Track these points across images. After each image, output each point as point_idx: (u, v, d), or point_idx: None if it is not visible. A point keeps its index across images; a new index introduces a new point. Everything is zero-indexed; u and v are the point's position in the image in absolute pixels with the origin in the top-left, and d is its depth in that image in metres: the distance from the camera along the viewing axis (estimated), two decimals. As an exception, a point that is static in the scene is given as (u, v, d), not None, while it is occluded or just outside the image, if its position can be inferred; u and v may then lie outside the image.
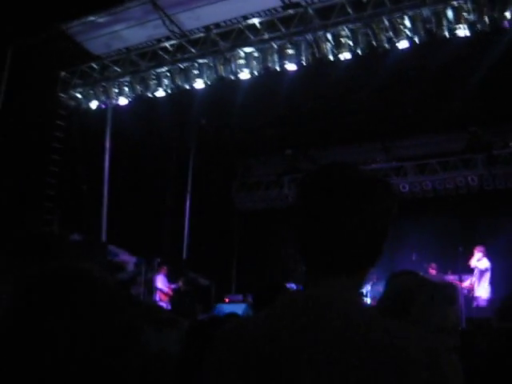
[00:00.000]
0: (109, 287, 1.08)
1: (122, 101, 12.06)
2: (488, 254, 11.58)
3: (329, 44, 10.05)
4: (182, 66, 11.30)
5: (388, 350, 1.03)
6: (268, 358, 1.11)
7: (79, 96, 12.39)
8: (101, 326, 0.99)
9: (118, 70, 12.03)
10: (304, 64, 10.32)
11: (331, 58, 10.11)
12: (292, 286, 9.11)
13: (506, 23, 8.79)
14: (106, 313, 1.01)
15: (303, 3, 10.25)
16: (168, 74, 11.43)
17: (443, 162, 14.35)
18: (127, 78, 11.84)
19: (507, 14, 8.61)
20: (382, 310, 1.66)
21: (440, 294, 1.69)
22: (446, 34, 9.26)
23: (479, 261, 11.44)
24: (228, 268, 16.28)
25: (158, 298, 12.30)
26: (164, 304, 12.14)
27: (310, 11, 10.10)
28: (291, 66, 10.42)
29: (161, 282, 12.52)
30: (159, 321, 2.18)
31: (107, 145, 12.93)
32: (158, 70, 11.50)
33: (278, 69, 10.56)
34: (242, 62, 10.76)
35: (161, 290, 12.44)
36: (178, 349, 1.67)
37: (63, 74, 12.36)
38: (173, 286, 12.72)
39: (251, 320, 1.26)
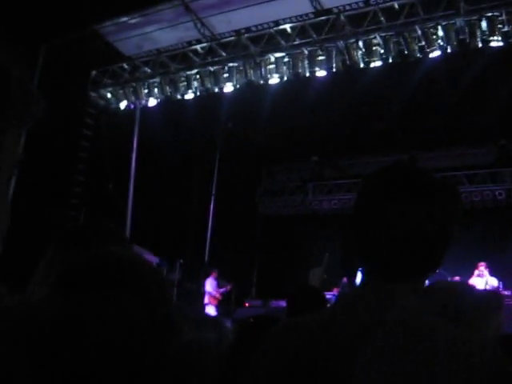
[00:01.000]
0: (158, 277, 1.07)
1: (151, 102, 12.15)
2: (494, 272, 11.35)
3: (360, 51, 10.02)
4: (211, 69, 11.34)
5: (453, 359, 1.00)
6: (322, 358, 1.09)
7: (109, 95, 12.53)
8: (145, 316, 0.98)
9: (148, 71, 12.12)
10: (334, 71, 10.29)
11: (362, 65, 10.07)
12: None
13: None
14: (153, 302, 1.00)
15: (335, 10, 10.25)
16: (197, 77, 11.49)
17: (471, 174, 14.18)
18: (157, 80, 11.93)
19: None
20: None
21: (492, 303, 1.65)
22: (480, 44, 9.18)
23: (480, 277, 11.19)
24: (249, 273, 16.26)
25: (207, 301, 12.43)
26: (213, 307, 12.27)
27: (342, 18, 10.08)
28: (321, 73, 10.41)
29: (210, 285, 12.67)
30: (199, 321, 2.17)
31: (134, 145, 13.02)
32: (188, 73, 11.57)
33: (307, 75, 10.56)
34: (271, 66, 10.78)
35: (209, 294, 12.55)
36: (221, 348, 1.65)
37: (94, 73, 12.50)
38: (221, 290, 12.86)
39: (306, 320, 1.23)
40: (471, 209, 14.16)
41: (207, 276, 12.70)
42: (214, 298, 12.61)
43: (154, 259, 12.18)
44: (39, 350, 0.93)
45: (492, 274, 11.38)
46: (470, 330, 1.48)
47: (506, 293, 10.96)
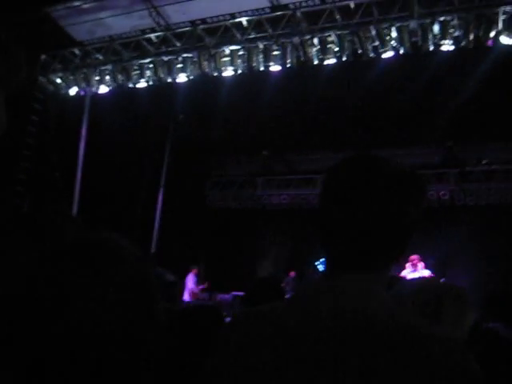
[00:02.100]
0: (136, 257, 1.05)
1: (103, 89, 11.92)
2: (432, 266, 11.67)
3: (314, 48, 10.09)
4: (165, 59, 11.20)
5: (417, 352, 1.00)
6: (283, 346, 1.08)
7: (59, 81, 12.21)
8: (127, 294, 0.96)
9: (100, 57, 11.87)
10: (288, 66, 10.33)
11: (316, 62, 10.15)
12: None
13: (490, 42, 8.93)
14: (135, 281, 0.98)
15: (291, 6, 10.27)
16: (150, 66, 11.34)
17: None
18: (109, 67, 11.71)
19: (491, 33, 8.76)
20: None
21: (465, 297, 1.69)
22: (431, 47, 9.39)
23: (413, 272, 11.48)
24: (196, 264, 16.20)
25: (187, 298, 12.47)
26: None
27: (298, 14, 10.11)
28: (275, 68, 10.43)
29: (191, 281, 12.92)
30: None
31: (83, 132, 12.75)
32: (141, 61, 11.40)
33: (262, 69, 10.57)
34: (226, 59, 10.73)
35: (191, 290, 12.79)
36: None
37: (44, 57, 12.16)
38: (200, 287, 13.00)
39: (264, 309, 1.22)
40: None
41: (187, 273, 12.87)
42: (194, 294, 12.70)
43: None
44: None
45: (427, 267, 11.68)
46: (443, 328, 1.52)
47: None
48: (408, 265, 11.61)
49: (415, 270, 11.48)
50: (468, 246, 13.44)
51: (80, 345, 0.89)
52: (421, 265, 11.60)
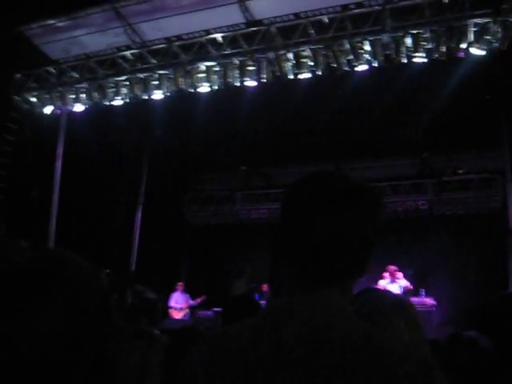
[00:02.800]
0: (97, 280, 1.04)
1: (78, 107, 11.87)
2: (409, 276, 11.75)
3: (289, 63, 10.17)
4: (141, 76, 11.20)
5: (379, 363, 1.01)
6: (249, 366, 1.08)
7: (34, 100, 12.13)
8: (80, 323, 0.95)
9: (76, 75, 11.82)
10: (264, 81, 10.39)
11: (291, 77, 10.22)
12: None
13: (461, 54, 9.10)
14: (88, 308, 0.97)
15: (266, 22, 10.36)
16: (126, 83, 11.33)
17: (395, 185, 14.63)
18: (84, 85, 11.66)
19: (463, 45, 8.93)
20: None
21: (408, 308, 1.70)
22: (404, 60, 9.52)
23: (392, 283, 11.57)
24: (176, 282, 16.10)
25: (177, 315, 12.47)
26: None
27: (273, 30, 10.20)
28: (251, 83, 10.48)
29: (174, 299, 12.76)
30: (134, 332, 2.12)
31: (59, 151, 12.65)
32: (117, 79, 11.38)
33: (237, 85, 10.61)
34: (202, 75, 10.76)
35: (173, 308, 12.60)
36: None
37: (18, 76, 12.08)
38: (192, 302, 12.79)
39: (233, 329, 1.22)
40: (395, 218, 14.60)
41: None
42: (178, 311, 12.54)
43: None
44: None
45: (406, 277, 11.76)
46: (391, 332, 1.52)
47: (428, 299, 11.35)
48: (386, 275, 11.69)
49: (393, 281, 11.57)
50: (447, 255, 13.55)
51: (24, 373, 0.88)
52: (399, 275, 11.69)
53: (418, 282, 12.35)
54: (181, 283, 13.33)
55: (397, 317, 1.58)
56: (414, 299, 11.15)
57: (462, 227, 13.77)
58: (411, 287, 11.69)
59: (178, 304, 12.80)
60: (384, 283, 11.57)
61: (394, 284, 11.56)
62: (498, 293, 2.92)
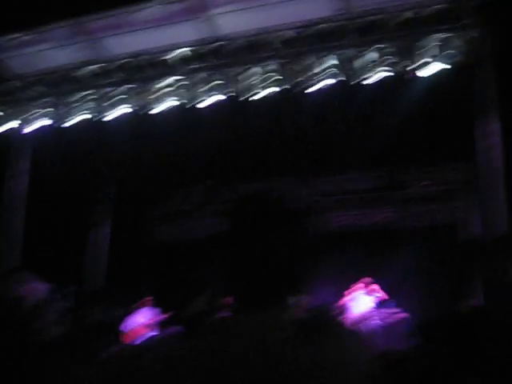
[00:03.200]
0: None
1: (43, 122, 11.73)
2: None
3: (256, 78, 10.23)
4: (106, 92, 11.14)
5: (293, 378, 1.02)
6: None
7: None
8: None
9: (40, 90, 11.70)
10: (229, 96, 10.43)
11: (258, 91, 10.28)
12: None
13: (421, 70, 9.31)
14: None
15: (232, 36, 10.41)
16: (91, 99, 11.25)
17: (361, 198, 14.78)
18: (49, 100, 11.55)
19: (422, 61, 9.15)
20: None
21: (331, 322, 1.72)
22: (367, 74, 9.67)
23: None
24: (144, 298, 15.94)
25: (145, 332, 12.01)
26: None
27: (239, 44, 10.26)
28: (218, 97, 10.51)
29: (142, 316, 12.30)
30: None
31: (24, 168, 12.46)
32: (81, 94, 11.30)
33: (204, 99, 10.62)
34: (168, 90, 10.75)
35: (136, 326, 12.13)
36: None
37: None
38: (158, 318, 12.48)
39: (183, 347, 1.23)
40: (361, 232, 14.74)
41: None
42: (144, 327, 12.27)
43: (43, 287, 11.69)
44: None
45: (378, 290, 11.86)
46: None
47: (397, 311, 11.44)
48: (359, 287, 11.78)
49: (367, 293, 11.66)
50: (414, 267, 13.68)
51: None
52: (372, 288, 11.78)
53: (386, 294, 12.44)
54: (149, 298, 13.14)
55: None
56: (385, 311, 11.24)
57: (428, 239, 13.94)
58: (386, 297, 11.79)
59: (144, 320, 12.55)
60: (358, 296, 11.68)
61: (368, 296, 11.66)
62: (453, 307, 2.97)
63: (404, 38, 9.30)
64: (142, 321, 12.53)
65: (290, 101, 10.91)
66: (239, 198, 1.26)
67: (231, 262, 1.18)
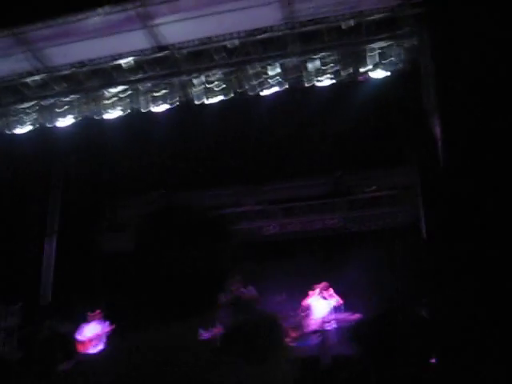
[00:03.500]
0: None
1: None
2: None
3: (199, 88, 10.20)
4: (45, 103, 10.89)
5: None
6: None
7: None
8: None
9: (-23, 103, 11.37)
10: (174, 106, 10.37)
11: (201, 101, 10.25)
12: None
13: (362, 77, 9.46)
14: None
15: (175, 46, 10.34)
16: (30, 111, 10.98)
17: (309, 205, 14.89)
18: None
19: (364, 69, 9.29)
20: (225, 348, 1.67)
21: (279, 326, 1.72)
22: (311, 82, 9.78)
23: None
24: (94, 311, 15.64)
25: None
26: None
27: (182, 54, 10.20)
28: (160, 108, 10.43)
29: (88, 330, 11.93)
30: None
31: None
32: (20, 107, 11.01)
33: (145, 110, 10.53)
34: (109, 101, 10.60)
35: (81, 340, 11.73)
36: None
37: None
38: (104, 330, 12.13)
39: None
40: (312, 237, 14.83)
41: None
42: (94, 340, 11.97)
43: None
44: None
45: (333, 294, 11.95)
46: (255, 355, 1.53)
47: (349, 315, 11.54)
48: (316, 292, 11.85)
49: (323, 297, 11.75)
50: (364, 271, 13.83)
51: None
52: (328, 292, 11.87)
53: (341, 297, 12.53)
54: (98, 311, 12.82)
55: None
56: (338, 315, 11.34)
57: (377, 242, 14.12)
58: (341, 302, 11.89)
59: (91, 334, 12.23)
60: (313, 300, 11.76)
61: (324, 300, 11.75)
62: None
63: (346, 46, 9.43)
64: (91, 333, 12.26)
65: (236, 109, 10.94)
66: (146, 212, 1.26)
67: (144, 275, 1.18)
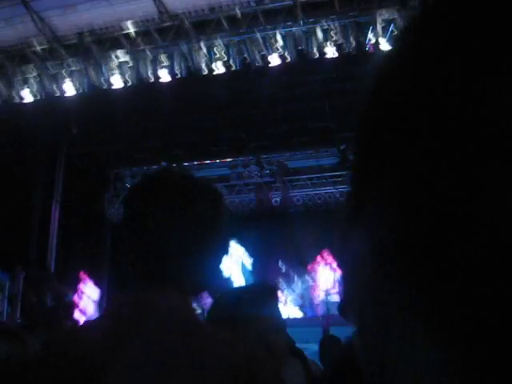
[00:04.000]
0: None
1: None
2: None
3: (203, 57, 10.15)
4: (52, 71, 10.87)
5: (208, 357, 1.00)
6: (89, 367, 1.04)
7: None
8: None
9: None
10: (179, 76, 10.33)
11: (205, 71, 10.21)
12: None
13: (370, 48, 9.37)
14: None
15: (180, 15, 10.27)
16: (37, 78, 10.97)
17: (312, 177, 14.88)
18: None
19: (371, 40, 9.20)
20: (210, 320, 1.66)
21: (264, 294, 1.72)
22: (316, 54, 9.70)
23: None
24: (98, 281, 15.77)
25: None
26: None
27: (187, 23, 10.13)
28: (166, 78, 10.39)
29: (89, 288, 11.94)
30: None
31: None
32: (27, 73, 11.00)
33: (151, 79, 10.50)
34: (115, 69, 10.57)
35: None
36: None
37: None
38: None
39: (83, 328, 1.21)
40: (315, 210, 14.86)
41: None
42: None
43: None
44: None
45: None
46: (238, 326, 1.53)
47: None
48: (320, 258, 11.97)
49: (327, 264, 11.87)
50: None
51: None
52: (334, 262, 11.97)
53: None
54: (88, 276, 12.66)
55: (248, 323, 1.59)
56: (340, 288, 11.43)
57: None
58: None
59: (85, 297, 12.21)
60: (320, 267, 11.91)
61: (330, 271, 11.88)
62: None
63: (355, 15, 9.32)
64: (84, 297, 12.22)
65: (242, 79, 10.88)
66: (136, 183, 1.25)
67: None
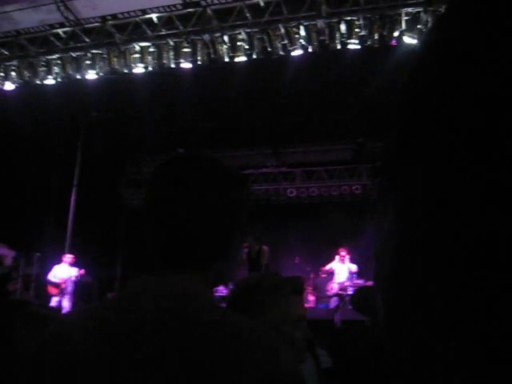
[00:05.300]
0: None
1: (8, 86, 11.47)
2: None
3: (225, 46, 10.12)
4: (73, 55, 10.91)
5: (223, 345, 0.99)
6: (102, 347, 1.04)
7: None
8: None
9: (6, 53, 11.41)
10: (199, 64, 10.31)
11: (226, 59, 10.18)
12: None
13: (394, 42, 9.29)
14: None
15: (203, 3, 10.24)
16: (59, 62, 11.01)
17: (330, 170, 14.87)
18: (15, 63, 11.27)
19: (395, 33, 9.12)
20: (227, 306, 1.66)
21: (285, 283, 1.72)
22: (338, 46, 9.64)
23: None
24: (112, 266, 15.89)
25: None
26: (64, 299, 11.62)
27: (209, 12, 10.11)
28: (186, 65, 10.38)
29: (53, 273, 11.75)
30: (32, 317, 2.07)
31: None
32: (49, 57, 11.04)
33: (172, 66, 10.50)
34: (136, 56, 10.57)
35: (51, 282, 11.67)
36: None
37: None
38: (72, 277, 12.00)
39: (90, 308, 1.19)
40: (331, 203, 14.86)
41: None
42: (55, 286, 11.84)
43: (9, 253, 11.50)
44: None
45: (351, 260, 12.05)
46: (252, 313, 1.53)
47: (359, 281, 11.63)
48: (336, 257, 12.01)
49: (343, 262, 11.89)
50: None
51: None
52: (347, 258, 11.99)
53: (364, 264, 12.58)
54: (70, 255, 12.45)
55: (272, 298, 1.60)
56: (355, 281, 11.44)
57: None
58: (357, 268, 11.97)
59: (56, 278, 12.00)
60: (334, 265, 11.95)
61: (343, 265, 11.90)
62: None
63: (373, 10, 9.24)
64: (51, 279, 11.99)
65: (263, 69, 10.84)
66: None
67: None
